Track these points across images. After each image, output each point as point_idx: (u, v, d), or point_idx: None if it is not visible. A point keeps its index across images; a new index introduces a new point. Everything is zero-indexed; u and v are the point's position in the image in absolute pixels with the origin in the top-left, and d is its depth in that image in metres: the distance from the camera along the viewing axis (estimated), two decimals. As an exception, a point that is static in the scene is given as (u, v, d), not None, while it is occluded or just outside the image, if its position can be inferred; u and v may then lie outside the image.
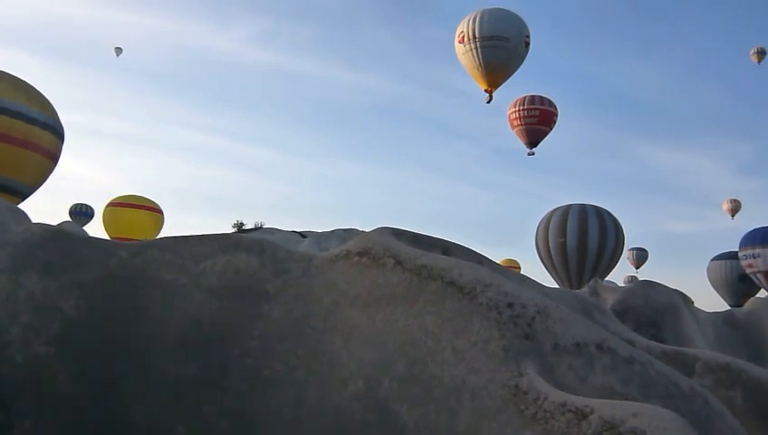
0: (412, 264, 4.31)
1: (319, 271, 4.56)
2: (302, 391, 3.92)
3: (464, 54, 31.46)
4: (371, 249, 4.51)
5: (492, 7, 31.85)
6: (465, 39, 31.25)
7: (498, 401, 3.51)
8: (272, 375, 4.08)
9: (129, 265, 4.71)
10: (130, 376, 4.21)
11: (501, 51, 30.81)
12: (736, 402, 4.83)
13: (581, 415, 3.19)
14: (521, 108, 38.91)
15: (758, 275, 41.72)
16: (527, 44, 32.12)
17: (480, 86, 32.86)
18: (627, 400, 3.41)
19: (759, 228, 42.80)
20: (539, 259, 40.86)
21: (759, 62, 50.30)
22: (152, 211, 37.78)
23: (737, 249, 43.82)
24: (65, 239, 4.82)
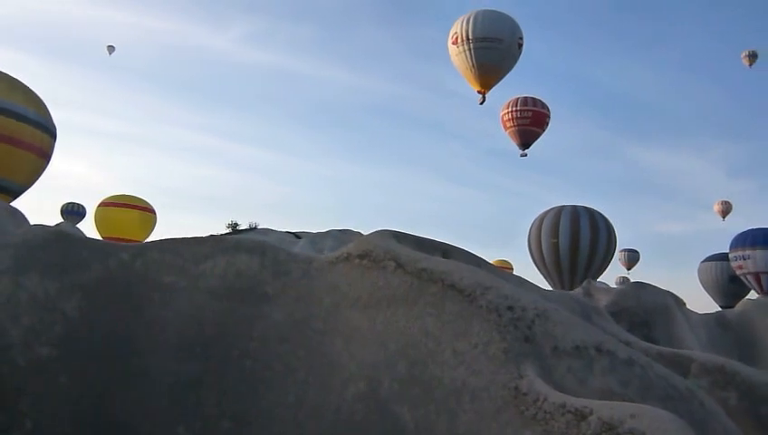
0: (413, 267, 4.35)
1: (319, 273, 4.59)
2: (302, 393, 3.94)
3: (457, 56, 31.54)
4: (372, 252, 4.55)
5: (485, 9, 31.95)
6: (459, 40, 31.34)
7: (498, 403, 3.55)
8: (272, 376, 4.11)
9: (130, 266, 4.73)
10: (131, 377, 4.22)
11: (494, 52, 30.91)
12: (731, 403, 4.89)
13: (581, 416, 3.23)
14: (513, 109, 39.05)
15: (748, 277, 42.00)
16: (520, 46, 32.25)
17: (473, 87, 32.95)
18: (625, 401, 3.46)
19: (749, 230, 43.10)
20: (531, 260, 40.99)
21: (750, 65, 50.63)
22: (144, 211, 37.63)
23: (728, 251, 44.11)
24: (66, 241, 4.83)
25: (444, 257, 4.77)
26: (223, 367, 4.20)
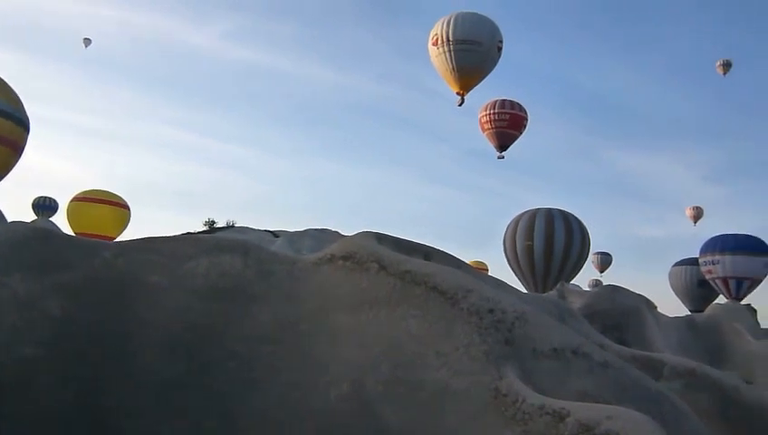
0: (396, 269, 4.42)
1: (304, 274, 4.64)
2: (287, 393, 3.99)
3: (437, 57, 31.72)
4: (356, 253, 4.61)
5: (466, 11, 32.18)
6: (439, 42, 31.53)
7: (480, 404, 3.63)
8: (257, 377, 4.15)
9: (113, 265, 4.73)
10: (116, 377, 4.23)
11: (473, 55, 31.15)
12: (701, 405, 5.05)
13: (559, 417, 3.32)
14: (491, 112, 39.36)
15: (717, 281, 42.82)
16: (499, 49, 32.53)
17: (452, 89, 33.16)
18: (601, 403, 3.56)
19: (719, 236, 43.96)
20: (506, 262, 41.36)
21: (725, 74, 51.66)
22: (118, 207, 37.14)
23: (698, 255, 44.93)
24: (47, 239, 4.82)
25: (425, 259, 4.86)
26: (208, 367, 4.23)
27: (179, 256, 4.88)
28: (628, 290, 17.63)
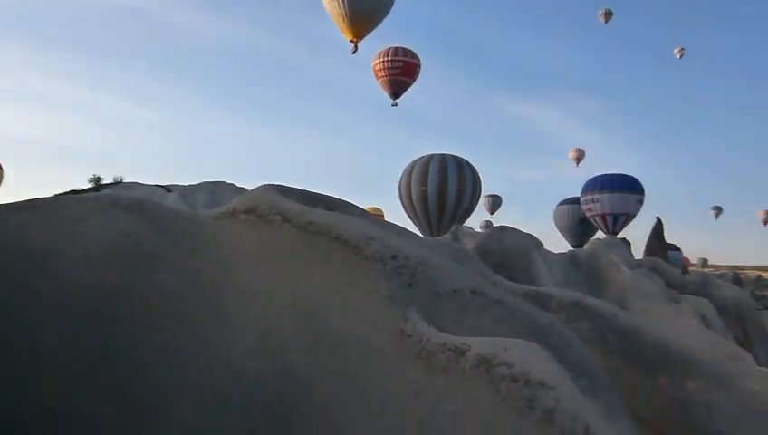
0: (299, 220, 4.46)
1: (205, 230, 4.58)
2: (192, 350, 3.97)
3: (329, 3, 31.16)
4: (258, 207, 4.60)
5: (357, -43, 31.64)
6: (330, -13, 30.94)
7: (385, 346, 3.80)
8: (160, 336, 4.09)
9: (-4, 229, 4.46)
10: (7, 349, 4.04)
11: (366, 1, 30.84)
12: (584, 334, 5.52)
13: (460, 352, 3.55)
14: (385, 59, 39.41)
15: (596, 218, 45.94)
16: (391, -5, 32.39)
17: (345, 36, 32.80)
18: (498, 337, 3.82)
19: (598, 176, 46.95)
20: (402, 207, 42.24)
21: (606, 21, 54.16)
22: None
23: (579, 195, 47.83)
24: None
25: (329, 210, 4.92)
26: (108, 330, 4.12)
27: (69, 217, 4.66)
28: (516, 230, 18.61)
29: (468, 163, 41.32)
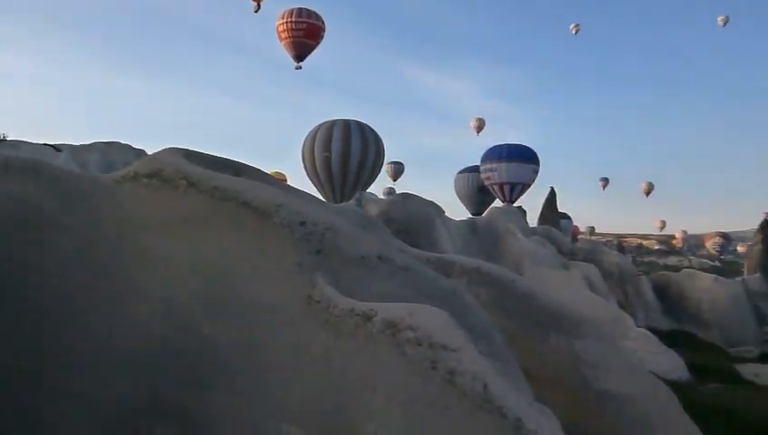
0: (205, 185, 4.37)
1: (105, 194, 4.39)
2: (98, 318, 3.85)
3: (230, -42, 30.00)
4: (162, 171, 4.46)
5: None
6: (232, -59, 29.79)
7: (294, 312, 3.84)
8: (59, 304, 3.93)
9: None
10: None
11: (269, -42, 29.94)
12: (483, 298, 5.79)
13: (367, 317, 3.65)
14: (288, 20, 38.52)
15: (494, 187, 47.57)
16: (295, -46, 31.60)
17: (247, -6, 31.77)
18: (404, 302, 3.95)
19: (496, 146, 48.48)
20: (305, 172, 41.94)
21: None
22: None
23: (479, 164, 49.27)
24: None
25: (236, 176, 4.84)
26: (5, 304, 3.89)
27: (-49, 177, 4.34)
28: (418, 197, 19.06)
29: (372, 129, 41.49)
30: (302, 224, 4.27)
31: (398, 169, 65.08)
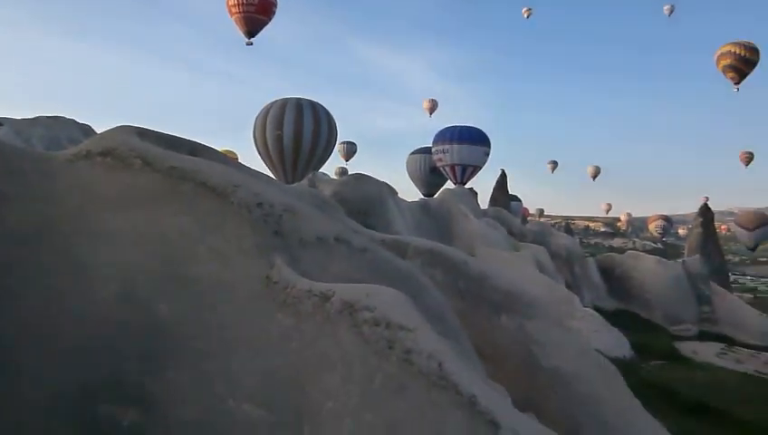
0: (161, 165, 4.32)
1: (58, 171, 4.29)
2: (50, 299, 3.78)
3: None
4: (115, 149, 4.38)
5: None
6: None
7: (252, 292, 3.86)
8: (14, 285, 3.84)
9: None
10: None
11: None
12: (437, 279, 5.91)
13: (325, 298, 3.70)
14: (241, -5, 37.73)
15: (446, 168, 47.90)
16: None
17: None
18: (360, 283, 4.02)
19: (448, 127, 48.76)
20: (256, 151, 41.39)
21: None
22: None
23: (431, 145, 49.49)
24: None
25: (191, 156, 4.80)
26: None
27: None
28: (371, 177, 19.08)
29: (324, 108, 41.15)
30: (260, 205, 4.28)
31: (350, 149, 64.88)
